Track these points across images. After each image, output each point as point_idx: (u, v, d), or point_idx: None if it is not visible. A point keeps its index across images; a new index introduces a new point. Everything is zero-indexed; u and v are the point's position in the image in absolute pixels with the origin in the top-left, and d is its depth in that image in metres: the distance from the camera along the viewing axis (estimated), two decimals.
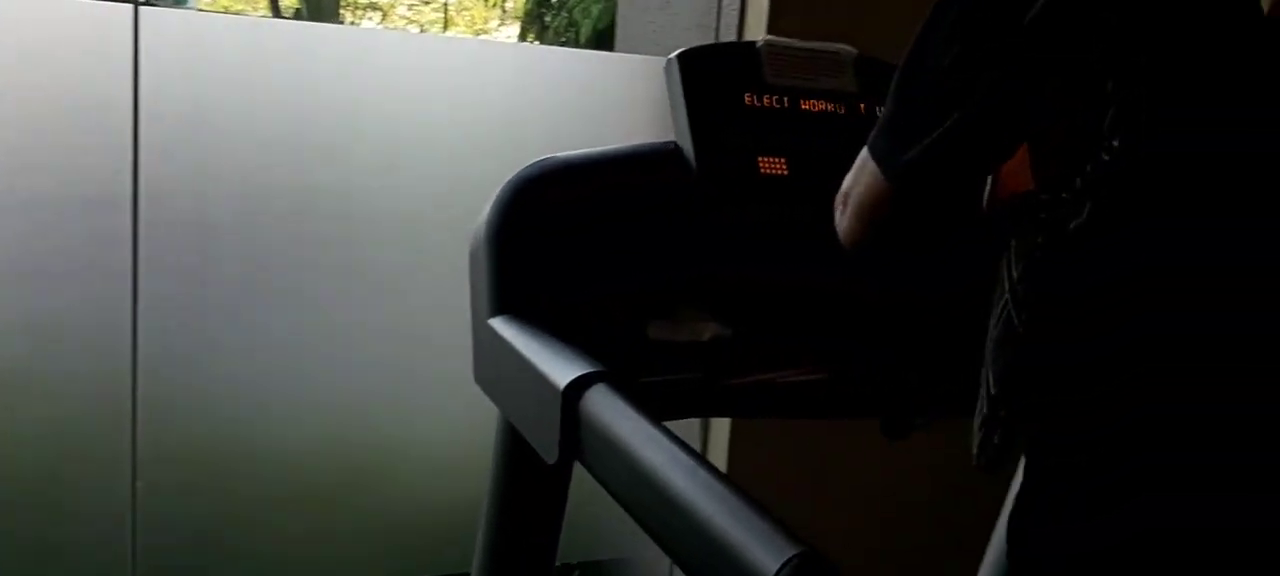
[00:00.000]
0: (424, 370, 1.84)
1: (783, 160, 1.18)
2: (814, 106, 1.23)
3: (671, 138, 1.21)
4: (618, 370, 0.90)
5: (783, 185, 1.17)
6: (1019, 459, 0.82)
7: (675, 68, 1.20)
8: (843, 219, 0.94)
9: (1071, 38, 0.75)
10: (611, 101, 2.00)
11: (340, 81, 1.69)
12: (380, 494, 1.85)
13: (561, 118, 1.93)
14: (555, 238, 1.09)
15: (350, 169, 1.70)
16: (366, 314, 1.77)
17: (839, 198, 0.97)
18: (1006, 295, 0.79)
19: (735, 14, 1.90)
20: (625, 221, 1.12)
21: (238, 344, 1.74)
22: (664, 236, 1.12)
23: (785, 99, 1.22)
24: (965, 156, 0.83)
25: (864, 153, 0.91)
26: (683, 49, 1.22)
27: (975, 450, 0.81)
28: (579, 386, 0.87)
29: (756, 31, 1.84)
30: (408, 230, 1.78)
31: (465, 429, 1.80)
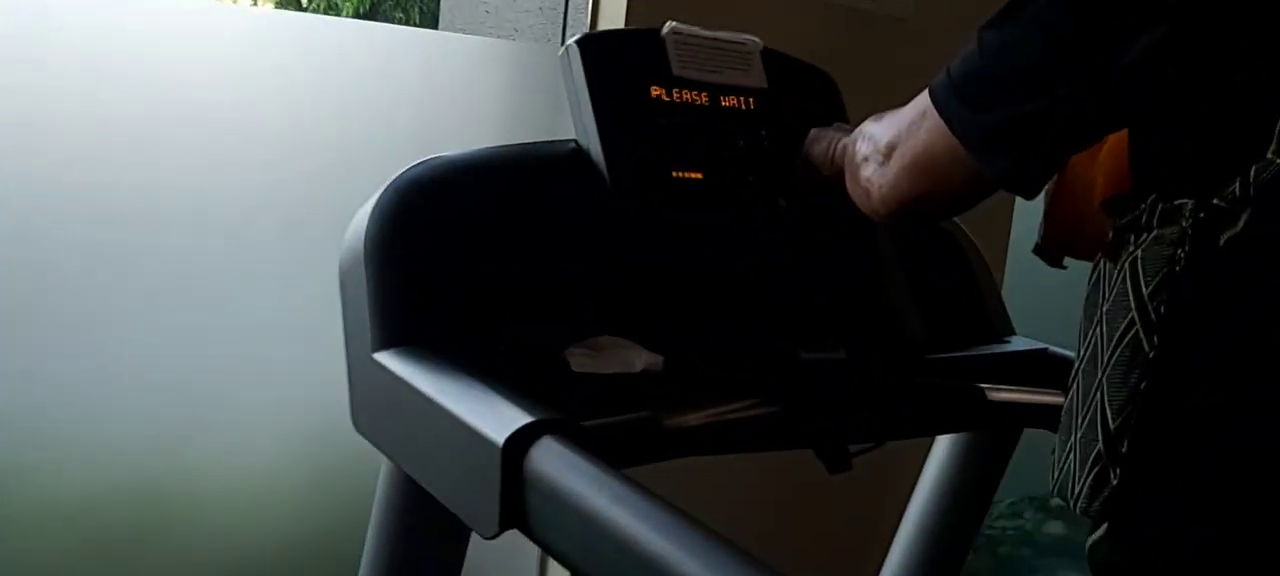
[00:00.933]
0: (244, 397, 1.60)
1: (699, 162, 1.06)
2: (728, 103, 1.11)
3: (568, 135, 1.07)
4: (562, 414, 0.75)
5: (700, 189, 1.05)
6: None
7: (575, 56, 1.05)
8: (883, 172, 0.84)
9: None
10: (443, 86, 1.82)
11: (141, 61, 1.43)
12: (190, 544, 1.59)
13: (395, 104, 1.74)
14: (455, 252, 0.92)
15: (157, 164, 1.44)
16: (177, 332, 1.51)
17: (870, 149, 0.86)
18: (1133, 314, 0.69)
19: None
20: (533, 232, 0.96)
21: (11, 374, 1.45)
22: (577, 250, 0.97)
23: (697, 94, 1.09)
24: (1070, 129, 0.72)
25: (921, 102, 0.80)
26: (582, 34, 1.07)
27: (1079, 494, 0.70)
28: (523, 439, 0.71)
29: (612, 15, 1.70)
30: (228, 233, 1.53)
31: (296, 464, 1.58)
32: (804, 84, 1.18)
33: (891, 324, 1.07)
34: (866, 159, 0.88)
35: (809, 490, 1.14)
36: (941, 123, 0.76)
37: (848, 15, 1.84)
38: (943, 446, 1.20)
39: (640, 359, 0.90)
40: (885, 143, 0.85)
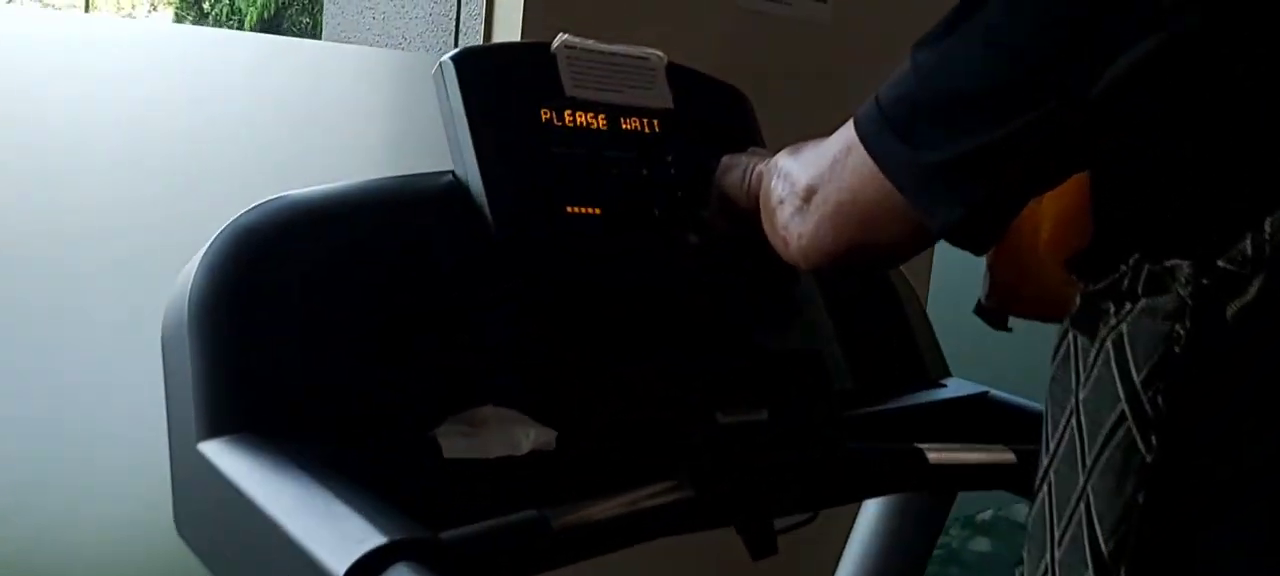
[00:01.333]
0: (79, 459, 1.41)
1: (596, 194, 0.92)
2: (629, 125, 0.97)
3: (446, 167, 0.92)
4: (422, 530, 0.60)
5: (598, 227, 0.91)
6: None
7: (450, 74, 0.90)
8: (802, 220, 0.71)
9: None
10: (324, 97, 1.65)
11: None
12: None
13: (269, 117, 1.56)
14: (299, 315, 0.76)
15: None
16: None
17: (786, 191, 0.73)
18: (1123, 406, 0.56)
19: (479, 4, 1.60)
20: (397, 286, 0.81)
21: None
22: (451, 303, 0.82)
23: (593, 116, 0.95)
24: (1033, 168, 0.59)
25: (846, 136, 0.67)
26: (458, 50, 0.92)
27: None
28: (370, 567, 0.57)
29: (508, 22, 1.55)
30: (61, 257, 1.34)
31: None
32: (714, 103, 1.05)
33: (815, 372, 0.95)
34: (782, 201, 0.75)
35: (730, 569, 1.00)
36: (870, 162, 0.63)
37: (760, 23, 1.72)
38: (874, 507, 1.08)
39: (528, 436, 0.75)
40: (804, 184, 0.71)
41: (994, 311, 0.77)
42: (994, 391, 1.05)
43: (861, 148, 0.63)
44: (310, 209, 0.81)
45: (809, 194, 0.70)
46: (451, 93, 0.90)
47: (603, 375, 0.85)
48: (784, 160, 0.77)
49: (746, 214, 0.88)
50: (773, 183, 0.77)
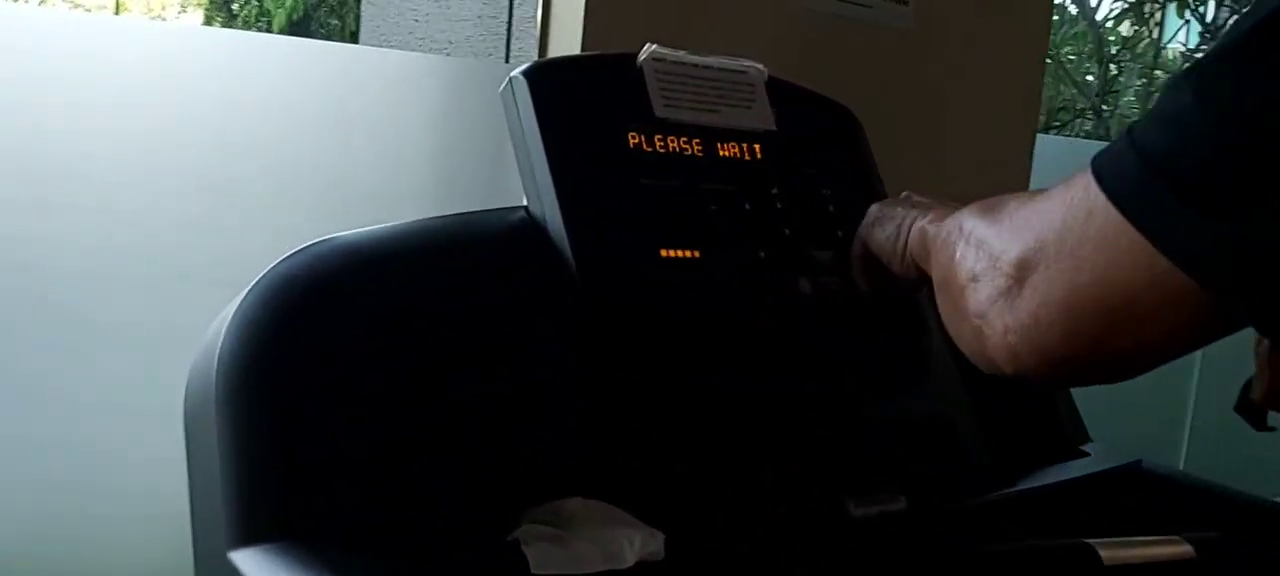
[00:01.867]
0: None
1: (695, 235, 0.78)
2: (728, 151, 0.83)
3: (504, 188, 0.78)
4: None
5: (698, 274, 0.77)
6: None
7: (523, 91, 0.76)
8: (1014, 308, 0.54)
9: None
10: (365, 105, 1.52)
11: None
12: None
13: (306, 127, 1.44)
14: (352, 390, 0.63)
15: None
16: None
17: (984, 265, 0.57)
18: None
19: (534, 7, 1.47)
20: (466, 347, 0.67)
21: None
22: (529, 370, 0.69)
23: (688, 141, 0.81)
24: None
25: (1079, 192, 0.51)
26: (533, 63, 0.79)
27: None
28: None
29: (567, 27, 1.41)
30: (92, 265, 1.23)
31: None
32: (820, 123, 0.91)
33: (952, 448, 0.81)
34: (975, 279, 0.58)
35: None
36: (1129, 232, 0.48)
37: (836, 28, 1.57)
38: None
39: (631, 543, 0.62)
40: (1013, 258, 0.54)
41: (1257, 409, 0.62)
42: (1146, 461, 0.91)
43: (1111, 211, 0.48)
44: (363, 256, 0.68)
45: (1022, 272, 0.53)
46: (524, 113, 0.76)
47: (711, 455, 0.71)
48: (974, 222, 0.60)
49: (899, 280, 0.73)
50: (958, 252, 0.60)
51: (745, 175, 0.83)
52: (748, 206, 0.82)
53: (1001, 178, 1.73)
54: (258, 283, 0.65)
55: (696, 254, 0.77)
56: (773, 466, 0.70)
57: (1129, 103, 14.80)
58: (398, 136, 1.53)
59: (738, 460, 0.71)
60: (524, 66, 0.77)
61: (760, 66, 0.88)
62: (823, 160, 0.87)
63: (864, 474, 0.73)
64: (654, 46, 0.83)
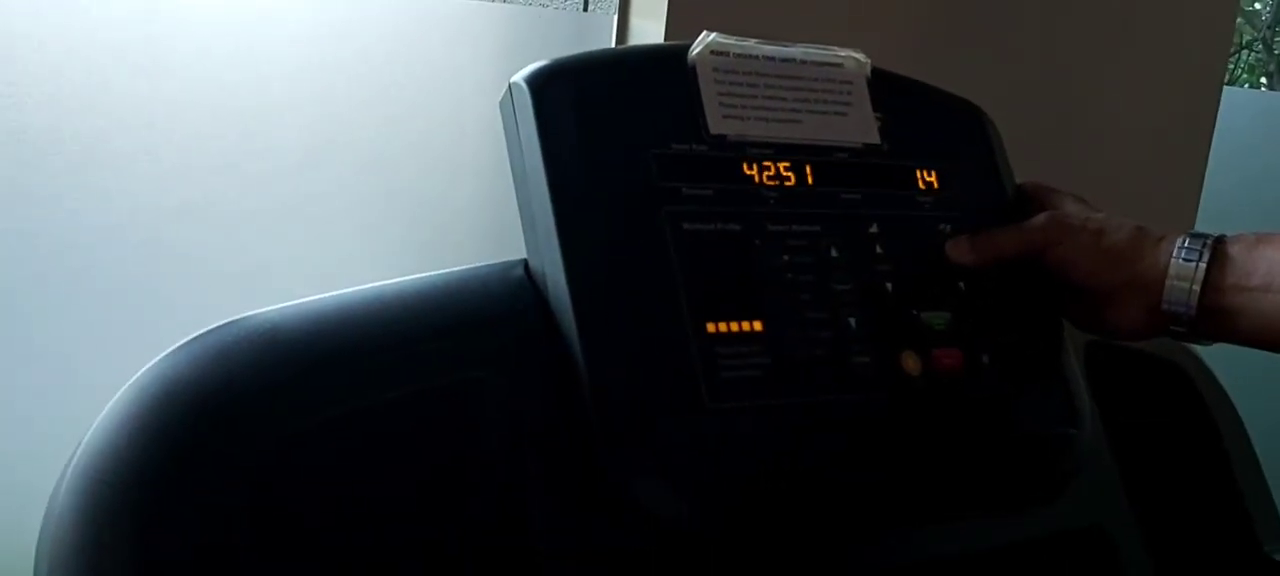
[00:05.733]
0: None
1: (758, 298, 0.57)
2: (810, 175, 0.61)
3: (519, 254, 0.59)
4: None
5: (762, 353, 0.56)
6: None
7: (525, 105, 0.56)
8: None
9: None
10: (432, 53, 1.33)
11: None
12: None
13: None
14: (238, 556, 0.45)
15: None
16: None
17: None
18: None
19: None
20: (430, 507, 0.49)
21: None
22: (510, 542, 0.50)
23: (751, 165, 0.60)
24: None
25: None
26: (539, 67, 0.58)
27: None
28: None
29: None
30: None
31: None
32: (940, 133, 0.68)
33: (1109, 566, 0.59)
34: None
35: None
36: None
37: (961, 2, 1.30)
38: None
39: None
40: None
41: None
42: None
43: None
44: (275, 353, 0.49)
45: None
46: (525, 135, 0.56)
47: None
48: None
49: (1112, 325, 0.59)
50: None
51: (834, 210, 0.61)
52: (835, 254, 0.60)
53: (1178, 143, 1.44)
54: (134, 381, 0.48)
55: (758, 326, 0.56)
56: None
57: None
58: (460, 90, 1.34)
59: None
60: (525, 72, 0.57)
61: (861, 56, 0.66)
62: (943, 185, 0.65)
63: None
64: (713, 35, 0.61)
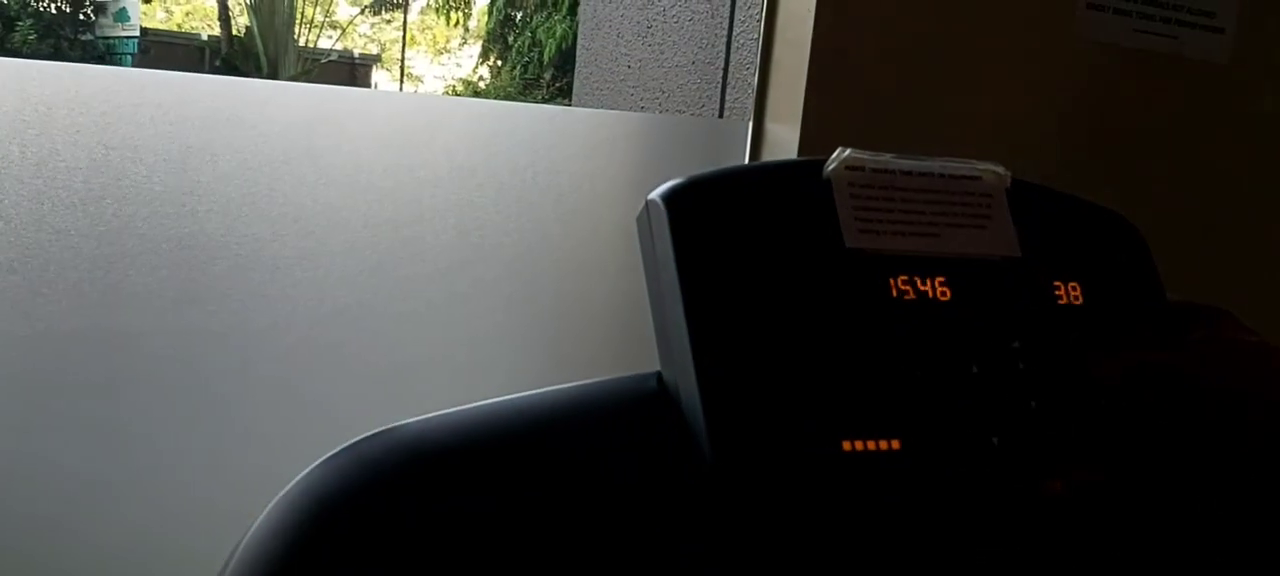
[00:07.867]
0: None
1: (896, 418, 0.56)
2: (945, 292, 0.61)
3: (652, 366, 0.59)
4: None
5: (900, 473, 0.55)
6: None
7: (661, 222, 0.58)
8: None
9: None
10: (575, 162, 1.38)
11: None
12: None
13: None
14: None
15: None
16: None
17: None
18: None
19: (751, 55, 1.28)
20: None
21: None
22: None
23: (889, 280, 0.60)
24: None
25: None
26: (675, 184, 0.59)
27: None
28: None
29: (789, 74, 1.21)
30: None
31: None
32: (1085, 245, 0.66)
33: None
34: None
35: None
36: None
37: (1134, 63, 1.27)
38: None
39: None
40: None
41: None
42: None
43: None
44: (425, 458, 0.51)
45: None
46: (661, 250, 0.57)
47: None
48: None
49: None
50: None
51: (973, 325, 0.60)
52: (975, 370, 0.59)
53: None
54: (289, 489, 0.50)
55: (896, 445, 0.55)
56: None
57: None
58: (601, 196, 1.38)
59: None
60: (663, 189, 0.59)
61: (1000, 169, 0.65)
62: (1087, 298, 0.63)
63: None
64: (849, 151, 0.62)
